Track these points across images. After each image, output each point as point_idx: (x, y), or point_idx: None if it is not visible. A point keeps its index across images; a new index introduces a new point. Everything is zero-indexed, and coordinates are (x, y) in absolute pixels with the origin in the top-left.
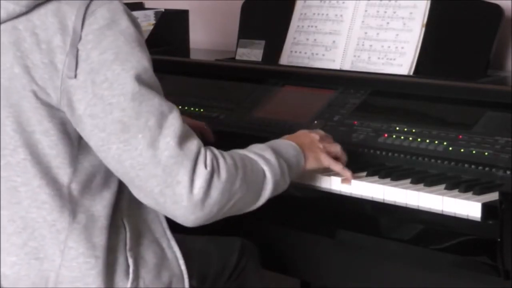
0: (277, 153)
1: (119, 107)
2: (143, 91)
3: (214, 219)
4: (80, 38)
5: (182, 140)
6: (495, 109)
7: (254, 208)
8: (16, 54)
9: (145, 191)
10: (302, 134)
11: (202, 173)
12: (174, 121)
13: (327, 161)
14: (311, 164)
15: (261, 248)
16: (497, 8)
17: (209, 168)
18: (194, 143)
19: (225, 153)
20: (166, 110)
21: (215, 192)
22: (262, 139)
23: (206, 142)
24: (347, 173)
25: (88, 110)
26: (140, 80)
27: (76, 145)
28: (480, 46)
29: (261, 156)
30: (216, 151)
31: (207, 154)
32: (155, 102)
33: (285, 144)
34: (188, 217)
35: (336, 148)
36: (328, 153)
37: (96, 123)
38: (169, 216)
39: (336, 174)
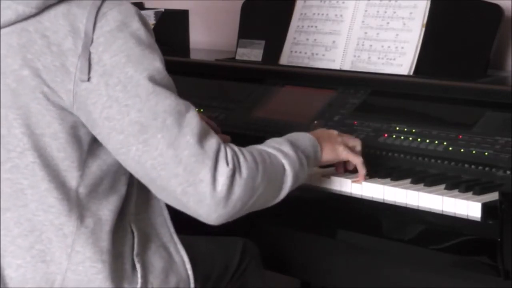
0: (294, 145)
1: (135, 108)
2: (158, 91)
3: (237, 216)
4: (92, 41)
5: (201, 138)
6: (495, 109)
7: (276, 202)
8: (26, 56)
9: (167, 191)
10: (320, 130)
11: (224, 171)
12: (192, 120)
13: (345, 153)
14: (327, 155)
15: (261, 248)
16: (497, 8)
17: (230, 165)
18: (213, 141)
19: (243, 149)
20: (183, 108)
21: (238, 189)
22: (262, 139)
23: None
24: (363, 170)
25: (104, 112)
26: (154, 80)
27: (85, 149)
28: (480, 46)
29: (279, 150)
30: (235, 147)
31: (228, 151)
32: (171, 101)
33: (302, 136)
34: (211, 215)
35: (355, 142)
36: (347, 147)
37: (113, 125)
38: (192, 215)
39: (336, 174)
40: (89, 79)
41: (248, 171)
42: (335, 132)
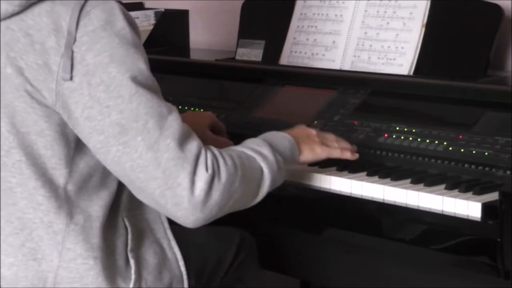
0: (273, 147)
1: (117, 110)
2: (140, 92)
3: (214, 218)
4: (75, 40)
5: (182, 142)
6: (495, 109)
7: (254, 204)
8: (9, 55)
9: (145, 192)
10: (299, 128)
11: (203, 176)
12: (173, 123)
13: (325, 153)
14: (306, 156)
15: (261, 248)
16: (497, 8)
17: (210, 170)
18: (194, 144)
19: (224, 152)
20: (165, 111)
21: (216, 194)
22: None
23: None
24: (347, 153)
25: (85, 112)
26: (136, 81)
27: (72, 146)
28: (480, 46)
29: (258, 152)
30: (216, 151)
31: (208, 155)
32: (153, 103)
33: (280, 136)
34: (188, 218)
35: (333, 143)
36: (325, 145)
37: (93, 125)
38: (170, 217)
39: (336, 174)
40: (71, 78)
41: (227, 176)
42: (313, 132)
